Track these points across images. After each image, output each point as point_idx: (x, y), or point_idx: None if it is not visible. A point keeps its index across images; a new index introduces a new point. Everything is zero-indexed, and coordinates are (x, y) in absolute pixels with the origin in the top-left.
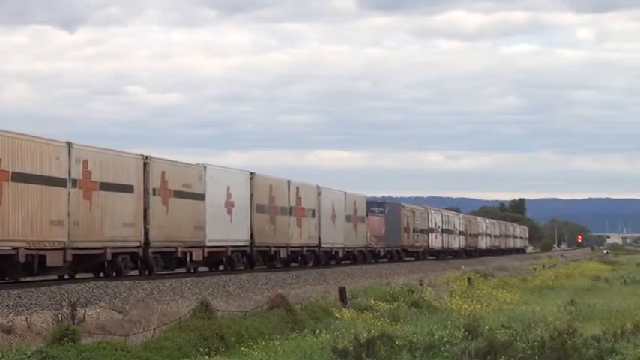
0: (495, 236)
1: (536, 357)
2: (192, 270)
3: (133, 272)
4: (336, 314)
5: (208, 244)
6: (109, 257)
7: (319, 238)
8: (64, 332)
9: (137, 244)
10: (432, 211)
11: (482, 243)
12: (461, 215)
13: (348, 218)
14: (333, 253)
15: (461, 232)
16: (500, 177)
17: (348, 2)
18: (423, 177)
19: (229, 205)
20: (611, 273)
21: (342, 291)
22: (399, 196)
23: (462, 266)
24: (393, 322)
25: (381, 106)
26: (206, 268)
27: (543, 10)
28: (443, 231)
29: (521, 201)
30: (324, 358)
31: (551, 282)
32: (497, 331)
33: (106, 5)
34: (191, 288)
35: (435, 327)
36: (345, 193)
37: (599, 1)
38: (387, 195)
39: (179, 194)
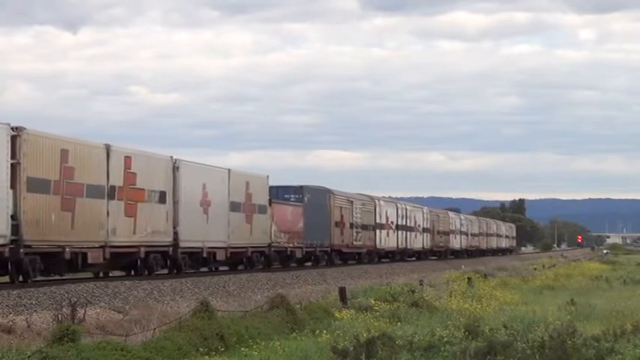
0: (474, 235)
1: (536, 357)
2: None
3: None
4: (336, 314)
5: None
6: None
7: (175, 233)
8: (64, 332)
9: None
10: (382, 203)
11: (456, 242)
12: (425, 209)
13: (234, 206)
14: (205, 254)
15: (425, 230)
16: (500, 177)
17: (350, 3)
18: (423, 177)
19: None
20: (611, 273)
21: (342, 291)
22: (399, 196)
23: (462, 266)
24: (393, 323)
25: (382, 106)
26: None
27: (545, 11)
28: (399, 227)
29: (521, 201)
30: (324, 358)
31: (551, 282)
32: (498, 332)
33: (108, 6)
34: (191, 288)
35: (435, 327)
36: (230, 170)
37: (600, 1)
38: (387, 195)
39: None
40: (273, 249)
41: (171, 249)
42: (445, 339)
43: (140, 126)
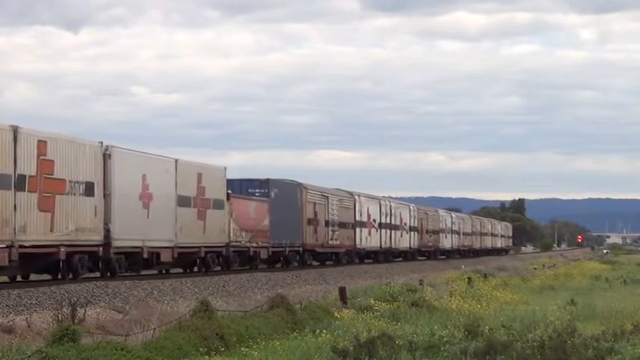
0: (466, 234)
1: (536, 357)
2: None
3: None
4: (336, 314)
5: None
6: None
7: (107, 231)
8: (64, 332)
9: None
10: (363, 199)
11: (447, 242)
12: (412, 206)
13: (184, 201)
14: (146, 255)
15: (413, 228)
16: (500, 177)
17: (351, 3)
18: (423, 177)
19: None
20: (611, 273)
21: (342, 291)
22: (399, 196)
23: (462, 266)
24: (393, 322)
25: (382, 106)
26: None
27: (546, 11)
28: (382, 226)
29: (521, 201)
30: (324, 358)
31: (551, 282)
32: (497, 332)
33: (109, 6)
34: (191, 288)
35: (435, 327)
36: (177, 160)
37: (601, 2)
38: (387, 195)
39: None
40: (232, 249)
41: (101, 249)
42: (445, 339)
43: (141, 126)
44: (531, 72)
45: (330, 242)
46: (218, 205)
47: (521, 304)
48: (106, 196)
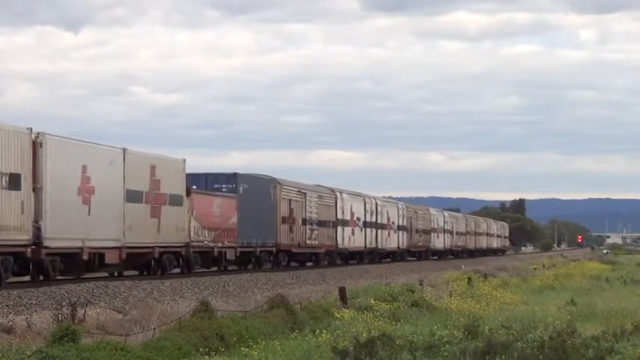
0: (460, 234)
1: (536, 357)
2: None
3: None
4: (336, 314)
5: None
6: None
7: (37, 230)
8: (64, 332)
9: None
10: (345, 196)
11: (439, 242)
12: (401, 204)
13: (133, 196)
14: (86, 256)
15: (402, 227)
16: (500, 177)
17: (351, 3)
18: (423, 177)
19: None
20: (612, 273)
21: (342, 291)
22: (399, 196)
23: (463, 266)
24: (393, 323)
25: (382, 106)
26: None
27: (546, 11)
28: (367, 225)
29: (522, 201)
30: (324, 358)
31: (551, 282)
32: (497, 332)
33: (110, 6)
34: (191, 288)
35: (435, 327)
36: (125, 150)
37: (601, 2)
38: (387, 195)
39: None
40: (193, 249)
41: (29, 250)
42: (445, 339)
43: (141, 126)
44: (531, 72)
45: (308, 242)
46: (175, 200)
47: (521, 304)
48: (36, 190)
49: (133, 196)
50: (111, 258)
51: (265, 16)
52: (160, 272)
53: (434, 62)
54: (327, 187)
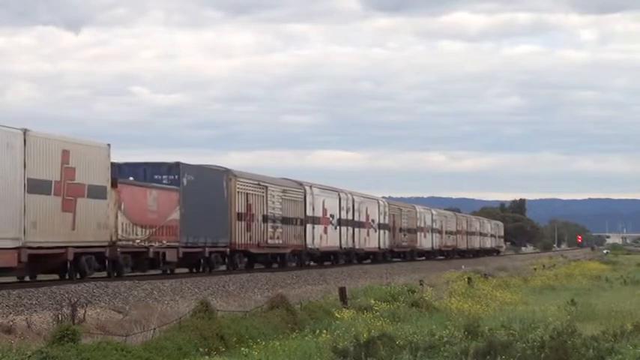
0: (449, 233)
1: (536, 357)
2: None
3: None
4: (336, 314)
5: None
6: None
7: None
8: (64, 332)
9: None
10: (316, 190)
11: (426, 242)
12: (383, 201)
13: (38, 187)
14: None
15: (383, 226)
16: (500, 177)
17: (352, 3)
18: (423, 177)
19: None
20: (612, 273)
21: (342, 291)
22: (399, 196)
23: (463, 266)
24: (393, 323)
25: (383, 106)
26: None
27: (547, 12)
28: (342, 222)
29: (522, 201)
30: (324, 358)
31: (551, 282)
32: (497, 332)
33: (110, 6)
34: (191, 288)
35: (435, 327)
36: (26, 131)
37: (602, 2)
38: (387, 195)
39: None
40: (121, 249)
41: None
42: (445, 339)
43: (142, 126)
44: (532, 72)
45: (270, 242)
46: (97, 192)
47: (521, 304)
48: None
49: (37, 187)
50: (6, 260)
51: (266, 16)
52: (77, 276)
53: (434, 62)
54: (294, 181)
